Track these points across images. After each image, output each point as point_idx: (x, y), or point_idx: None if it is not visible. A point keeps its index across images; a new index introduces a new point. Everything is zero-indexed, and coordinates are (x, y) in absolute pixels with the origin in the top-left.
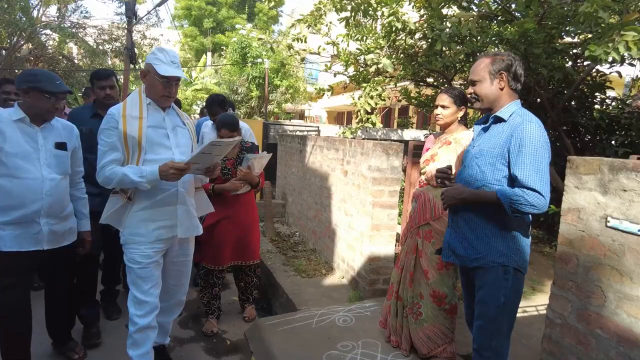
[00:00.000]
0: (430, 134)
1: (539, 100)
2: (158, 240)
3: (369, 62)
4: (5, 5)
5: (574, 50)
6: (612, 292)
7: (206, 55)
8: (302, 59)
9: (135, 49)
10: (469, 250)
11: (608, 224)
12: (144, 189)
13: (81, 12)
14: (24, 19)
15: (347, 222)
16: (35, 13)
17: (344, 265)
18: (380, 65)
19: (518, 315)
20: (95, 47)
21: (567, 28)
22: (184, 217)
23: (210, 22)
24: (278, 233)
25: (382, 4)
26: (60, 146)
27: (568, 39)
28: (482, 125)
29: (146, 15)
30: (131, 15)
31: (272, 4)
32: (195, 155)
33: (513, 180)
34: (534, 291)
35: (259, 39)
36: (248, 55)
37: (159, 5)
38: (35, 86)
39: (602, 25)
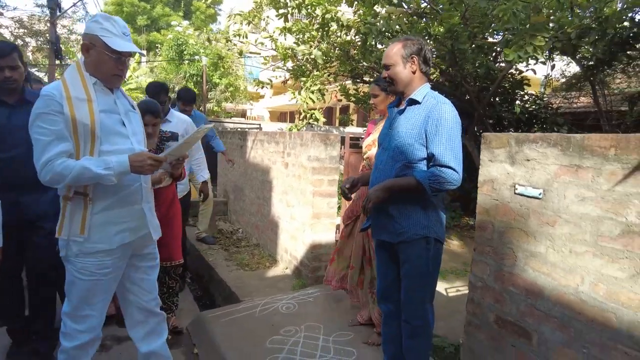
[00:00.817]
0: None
1: (467, 95)
2: (120, 246)
3: (300, 54)
4: None
5: (496, 48)
6: (520, 251)
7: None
8: (241, 52)
9: (62, 46)
10: (395, 225)
11: (516, 191)
12: (109, 183)
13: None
14: None
15: (289, 214)
16: None
17: (287, 256)
18: (312, 57)
19: (452, 293)
20: (13, 40)
21: (490, 29)
22: (151, 216)
23: (145, 19)
24: (220, 230)
25: (315, 4)
26: None
27: (490, 40)
28: (397, 109)
29: (71, 7)
30: (54, 6)
31: (211, 1)
32: (178, 145)
33: (430, 159)
34: (466, 272)
35: (196, 30)
36: (185, 52)
37: None
38: None
39: (520, 26)
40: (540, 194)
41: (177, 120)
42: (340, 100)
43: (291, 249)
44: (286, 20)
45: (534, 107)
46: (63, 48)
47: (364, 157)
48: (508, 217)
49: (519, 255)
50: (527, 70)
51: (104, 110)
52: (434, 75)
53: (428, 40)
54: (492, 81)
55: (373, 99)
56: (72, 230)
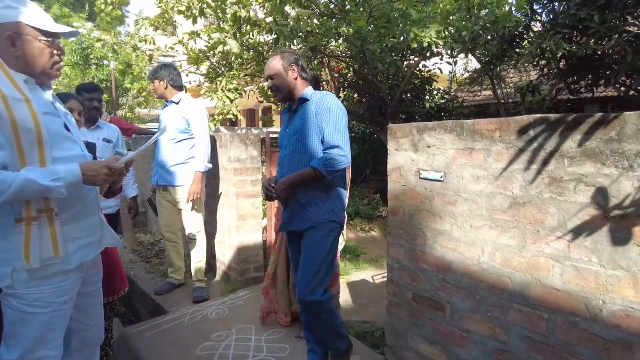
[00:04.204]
0: None
1: (380, 93)
2: (81, 264)
3: (214, 42)
4: None
5: (403, 47)
6: (429, 231)
7: None
8: (150, 58)
9: None
10: (304, 213)
11: (421, 176)
12: (58, 197)
13: None
14: None
15: (213, 218)
16: None
17: (215, 261)
18: (227, 48)
19: (379, 281)
20: None
21: (394, 28)
22: (106, 227)
23: None
24: (140, 243)
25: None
26: None
27: (396, 40)
28: (289, 112)
29: None
30: None
31: (112, 1)
32: (135, 153)
33: None
34: None
35: (100, 40)
36: (91, 56)
37: None
38: None
39: (413, 20)
40: (441, 177)
41: (109, 128)
42: (262, 102)
43: (219, 254)
44: (194, 22)
45: (442, 101)
46: None
47: None
48: (416, 200)
49: (428, 235)
50: (434, 68)
51: (45, 112)
52: (349, 75)
53: (339, 41)
54: (403, 78)
55: None
56: (42, 254)
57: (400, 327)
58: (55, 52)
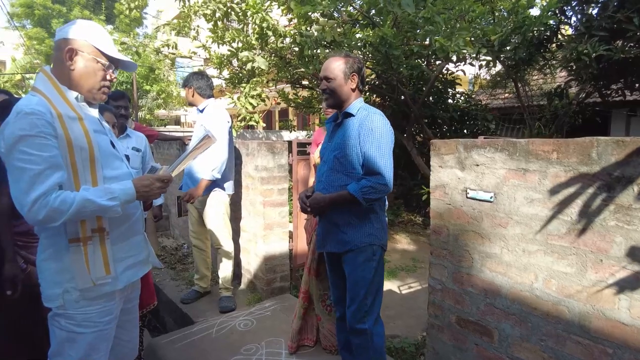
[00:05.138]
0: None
1: (402, 97)
2: (127, 285)
3: (243, 60)
4: None
5: (427, 52)
6: (476, 253)
7: None
8: (172, 63)
9: None
10: (340, 235)
11: (468, 195)
12: (114, 215)
13: None
14: None
15: (238, 226)
16: None
17: (239, 269)
18: (255, 65)
19: (405, 291)
20: None
21: (417, 31)
22: (149, 246)
23: (61, 23)
24: (163, 247)
25: (249, 11)
26: None
27: (420, 42)
28: (334, 123)
29: None
30: None
31: (134, 6)
32: (181, 162)
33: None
34: (415, 268)
35: (122, 44)
36: None
37: None
38: None
39: (439, 27)
40: (491, 198)
41: (137, 137)
42: (278, 104)
43: (243, 262)
44: (216, 26)
45: (464, 105)
46: None
47: (318, 167)
48: (462, 220)
49: (475, 256)
50: (457, 70)
51: (95, 130)
52: (372, 78)
53: (363, 47)
54: (426, 82)
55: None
56: (96, 274)
57: (441, 349)
58: (107, 76)
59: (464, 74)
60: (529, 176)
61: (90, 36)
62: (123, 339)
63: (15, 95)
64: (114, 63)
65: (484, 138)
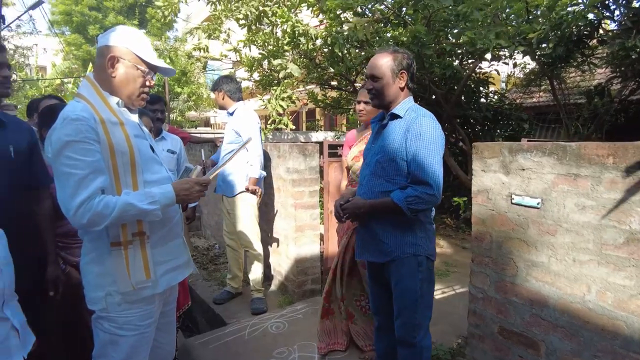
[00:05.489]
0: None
1: (434, 96)
2: (167, 288)
3: (277, 68)
4: None
5: (459, 50)
6: (522, 261)
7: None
8: (204, 67)
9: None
10: (380, 245)
11: (513, 201)
12: (154, 219)
13: None
14: None
15: (269, 227)
16: None
17: (270, 271)
18: (288, 71)
19: (438, 296)
20: None
21: (451, 30)
22: (188, 250)
23: (97, 29)
24: (196, 247)
25: (280, 16)
26: None
27: (453, 40)
28: (380, 123)
29: (17, 19)
30: None
31: (168, 13)
32: (222, 164)
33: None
34: (448, 272)
35: (156, 49)
36: None
37: (31, 8)
38: None
39: (476, 24)
40: (538, 204)
41: (172, 139)
42: (306, 104)
43: (274, 263)
44: (249, 30)
45: (498, 104)
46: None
47: (351, 170)
48: (506, 227)
49: (520, 265)
50: (490, 69)
51: (136, 135)
52: None
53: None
54: (458, 81)
55: (364, 106)
56: (136, 278)
57: None
58: (147, 82)
59: (498, 73)
60: (581, 182)
61: (130, 43)
62: (161, 341)
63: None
64: (153, 69)
65: (528, 141)
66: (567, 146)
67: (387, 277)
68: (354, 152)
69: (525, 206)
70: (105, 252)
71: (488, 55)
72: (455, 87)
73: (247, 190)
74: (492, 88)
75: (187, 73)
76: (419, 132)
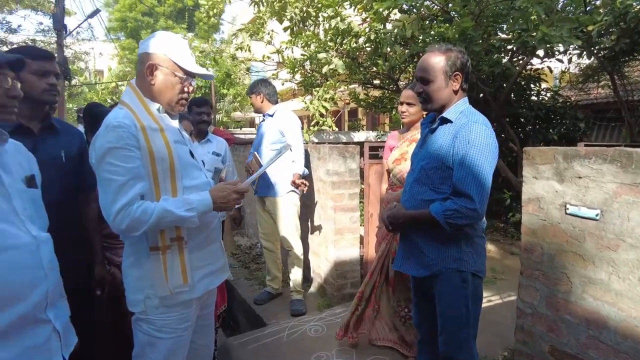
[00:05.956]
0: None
1: (482, 95)
2: (204, 293)
3: (322, 61)
4: None
5: (509, 47)
6: (577, 277)
7: None
8: (248, 69)
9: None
10: (421, 257)
11: (567, 211)
12: (192, 226)
13: (7, 28)
14: None
15: (309, 228)
16: None
17: (310, 272)
18: (332, 66)
19: (484, 304)
20: None
21: (502, 25)
22: (225, 255)
23: (149, 33)
24: (238, 246)
25: (323, 9)
26: (30, 182)
27: (502, 36)
28: (430, 127)
29: (77, 27)
30: (60, 28)
31: (213, 13)
32: (260, 171)
33: None
34: (495, 280)
35: (202, 52)
36: None
37: (90, 16)
38: None
39: (534, 19)
40: (597, 215)
41: (217, 141)
42: (348, 104)
43: (314, 265)
44: (292, 32)
45: (550, 102)
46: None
47: (392, 172)
48: (559, 239)
49: (575, 281)
50: (542, 66)
51: (176, 140)
52: None
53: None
54: (507, 79)
55: (406, 107)
56: (174, 282)
57: None
58: (185, 88)
59: (550, 70)
60: None
61: (168, 50)
62: (199, 343)
63: (112, 101)
64: (191, 75)
65: (585, 145)
66: (633, 153)
67: (431, 291)
68: (395, 155)
69: (582, 217)
70: (144, 256)
71: (540, 52)
72: (505, 85)
73: (294, 184)
74: (544, 85)
75: (232, 75)
76: (467, 140)
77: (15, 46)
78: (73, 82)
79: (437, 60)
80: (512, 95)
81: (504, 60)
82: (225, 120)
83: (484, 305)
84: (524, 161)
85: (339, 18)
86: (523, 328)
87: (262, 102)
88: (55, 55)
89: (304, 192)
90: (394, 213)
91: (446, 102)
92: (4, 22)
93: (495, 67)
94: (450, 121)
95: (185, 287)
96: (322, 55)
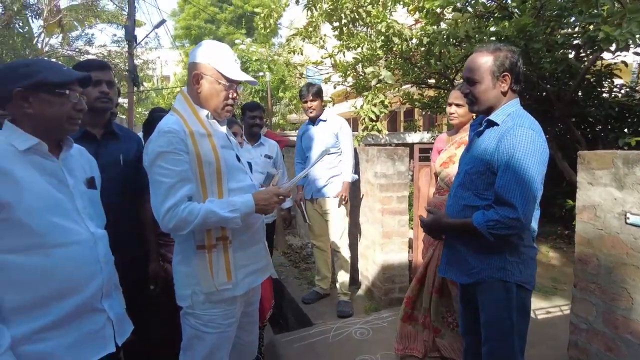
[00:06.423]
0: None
1: (544, 94)
2: (249, 290)
3: (369, 76)
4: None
5: (576, 41)
6: (638, 293)
7: None
8: (301, 74)
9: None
10: (464, 264)
11: (628, 221)
12: (235, 227)
13: (86, 39)
14: (27, 50)
15: (357, 231)
16: (39, 45)
17: (358, 275)
18: (380, 77)
19: (541, 316)
20: None
21: (566, 20)
22: (269, 255)
23: (211, 39)
24: (290, 245)
25: (374, 17)
26: (90, 183)
27: (568, 30)
28: (477, 130)
29: (145, 37)
30: (131, 38)
31: (269, 24)
32: (301, 175)
33: None
34: (555, 290)
35: (257, 60)
36: (249, 69)
37: (156, 27)
38: (37, 81)
39: (604, 11)
40: None
41: (269, 144)
42: (403, 104)
43: (362, 268)
44: (342, 33)
45: (625, 99)
46: (139, 75)
47: (439, 176)
48: (618, 250)
49: (637, 297)
50: (615, 61)
51: (223, 145)
52: None
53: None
54: (573, 76)
55: (455, 108)
56: (219, 279)
57: None
58: (230, 95)
59: (626, 65)
60: None
61: (212, 59)
62: (244, 339)
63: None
64: (235, 82)
65: None
66: None
67: (476, 299)
68: (443, 158)
69: None
70: (192, 254)
71: (613, 46)
72: (570, 83)
73: (340, 196)
74: (619, 82)
75: (286, 81)
76: (512, 145)
77: (90, 57)
78: (141, 88)
79: (484, 61)
80: (579, 93)
81: (570, 57)
82: (281, 123)
83: (541, 317)
84: (578, 166)
85: (385, 23)
86: (577, 344)
87: (322, 107)
88: (126, 63)
89: (346, 204)
90: (435, 221)
91: (493, 103)
92: (84, 34)
93: (559, 64)
94: (496, 124)
95: (230, 284)
96: (369, 70)
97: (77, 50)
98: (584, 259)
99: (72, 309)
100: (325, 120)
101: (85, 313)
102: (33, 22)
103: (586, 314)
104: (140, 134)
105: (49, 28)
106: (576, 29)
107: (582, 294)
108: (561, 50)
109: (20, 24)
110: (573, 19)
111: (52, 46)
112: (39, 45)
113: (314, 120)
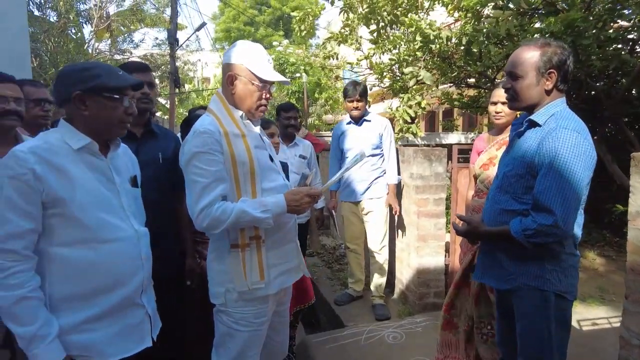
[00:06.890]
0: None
1: (592, 93)
2: (280, 290)
3: (407, 76)
4: (62, 44)
5: (630, 36)
6: None
7: None
8: (337, 77)
9: (179, 75)
10: (500, 270)
11: None
12: (267, 227)
13: (133, 44)
14: (79, 55)
15: (392, 233)
16: (89, 50)
17: (392, 277)
18: (419, 78)
19: (587, 328)
20: None
21: (621, 12)
22: (301, 254)
23: (250, 41)
24: (323, 246)
25: (408, 25)
26: (134, 182)
27: (623, 23)
28: (517, 130)
29: (186, 40)
30: (173, 41)
31: (304, 27)
32: (336, 177)
33: None
34: (603, 300)
35: (293, 64)
36: (286, 71)
37: (197, 30)
38: (95, 85)
39: None
40: None
41: (304, 145)
42: (442, 104)
43: (396, 271)
44: (379, 35)
45: None
46: (180, 77)
47: (478, 178)
48: None
49: None
50: None
51: (256, 146)
52: None
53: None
54: (626, 73)
55: (501, 107)
56: (252, 278)
57: None
58: (263, 95)
59: None
60: None
61: (246, 60)
62: (275, 339)
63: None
64: (268, 82)
65: None
66: None
67: (512, 307)
68: (483, 159)
69: None
70: (225, 253)
71: None
72: (623, 80)
73: (390, 206)
74: None
75: (321, 84)
76: (554, 147)
77: (133, 59)
78: (182, 89)
79: (530, 55)
80: (633, 91)
81: (624, 53)
82: (317, 124)
83: (586, 328)
84: (631, 168)
85: (423, 27)
86: None
87: (367, 107)
88: (169, 65)
89: (395, 213)
90: (472, 227)
91: (536, 101)
92: (129, 39)
93: (611, 61)
94: (538, 124)
95: (262, 283)
96: (408, 70)
97: (123, 52)
98: (637, 269)
99: (117, 302)
100: (370, 121)
101: (128, 307)
102: (84, 27)
103: (638, 329)
104: (179, 134)
105: (99, 33)
106: (631, 22)
107: (635, 307)
108: (613, 46)
109: (74, 30)
110: (629, 11)
111: (101, 50)
112: (89, 50)
113: (357, 120)
